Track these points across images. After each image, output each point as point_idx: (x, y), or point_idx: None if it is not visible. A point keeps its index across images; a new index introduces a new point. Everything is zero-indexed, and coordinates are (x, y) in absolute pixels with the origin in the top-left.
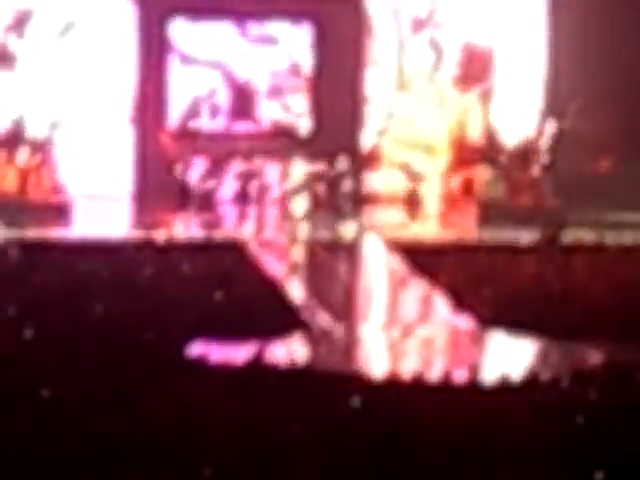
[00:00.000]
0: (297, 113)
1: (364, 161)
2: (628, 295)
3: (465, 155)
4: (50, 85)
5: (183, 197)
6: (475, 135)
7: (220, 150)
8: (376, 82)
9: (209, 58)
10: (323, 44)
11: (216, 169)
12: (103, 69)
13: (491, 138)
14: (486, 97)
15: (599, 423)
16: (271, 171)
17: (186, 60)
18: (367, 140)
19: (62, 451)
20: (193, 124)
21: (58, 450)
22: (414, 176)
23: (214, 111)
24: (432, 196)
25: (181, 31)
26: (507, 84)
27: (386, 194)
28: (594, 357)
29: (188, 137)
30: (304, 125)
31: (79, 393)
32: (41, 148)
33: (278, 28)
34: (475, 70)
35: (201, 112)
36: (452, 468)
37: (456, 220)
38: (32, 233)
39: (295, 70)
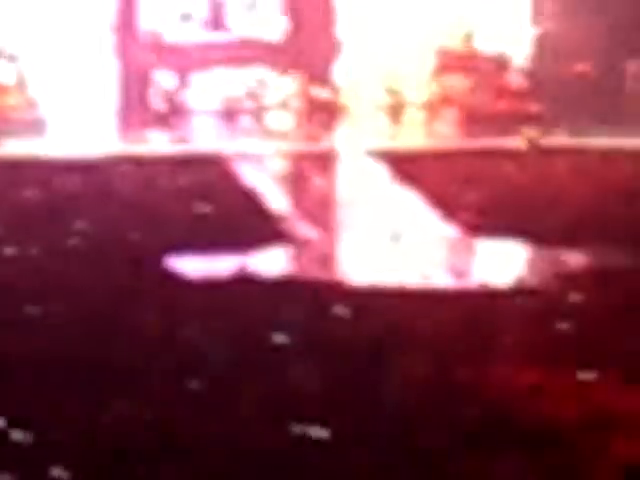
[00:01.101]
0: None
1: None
2: (611, 198)
3: (447, 62)
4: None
5: (159, 110)
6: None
7: (194, 60)
8: None
9: None
10: None
11: (189, 80)
12: None
13: (471, 44)
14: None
15: (583, 327)
16: (247, 82)
17: None
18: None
19: (46, 368)
20: (167, 35)
21: (43, 368)
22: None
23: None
24: (414, 103)
25: None
26: None
27: (368, 102)
28: (578, 261)
29: (161, 48)
30: (278, 34)
31: (62, 309)
32: (16, 63)
33: None
34: None
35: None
36: (437, 373)
37: (438, 127)
38: (9, 149)
39: None
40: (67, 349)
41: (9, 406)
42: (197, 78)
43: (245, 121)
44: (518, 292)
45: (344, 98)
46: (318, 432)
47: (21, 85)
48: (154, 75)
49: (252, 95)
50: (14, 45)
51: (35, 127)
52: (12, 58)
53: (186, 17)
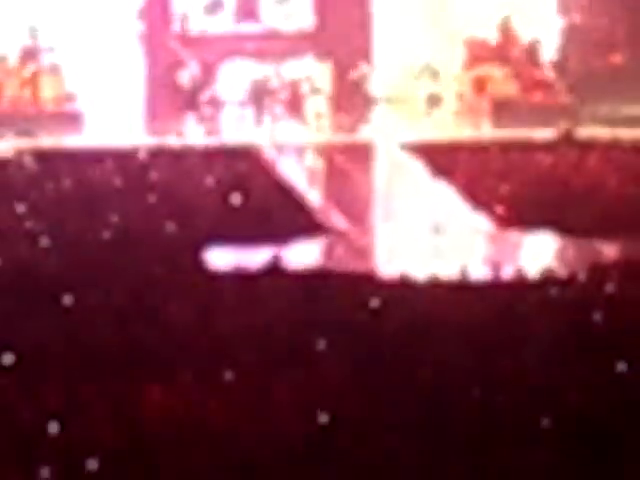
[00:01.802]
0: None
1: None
2: None
3: (479, 53)
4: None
5: (190, 102)
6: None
7: (225, 51)
8: None
9: None
10: None
11: (219, 71)
12: None
13: (505, 36)
14: None
15: (615, 318)
16: (281, 72)
17: None
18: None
19: (82, 356)
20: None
21: (79, 356)
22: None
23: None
24: (448, 96)
25: None
26: None
27: (403, 95)
28: (610, 253)
29: (194, 40)
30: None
31: (98, 300)
32: (52, 58)
33: None
34: None
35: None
36: (471, 364)
37: (470, 119)
38: (45, 142)
39: None
40: (103, 338)
41: (45, 396)
42: (227, 69)
43: (278, 111)
44: (550, 283)
45: (378, 89)
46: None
47: (57, 78)
48: (185, 66)
49: (284, 85)
50: (49, 38)
51: (71, 120)
52: (48, 50)
53: (215, 6)
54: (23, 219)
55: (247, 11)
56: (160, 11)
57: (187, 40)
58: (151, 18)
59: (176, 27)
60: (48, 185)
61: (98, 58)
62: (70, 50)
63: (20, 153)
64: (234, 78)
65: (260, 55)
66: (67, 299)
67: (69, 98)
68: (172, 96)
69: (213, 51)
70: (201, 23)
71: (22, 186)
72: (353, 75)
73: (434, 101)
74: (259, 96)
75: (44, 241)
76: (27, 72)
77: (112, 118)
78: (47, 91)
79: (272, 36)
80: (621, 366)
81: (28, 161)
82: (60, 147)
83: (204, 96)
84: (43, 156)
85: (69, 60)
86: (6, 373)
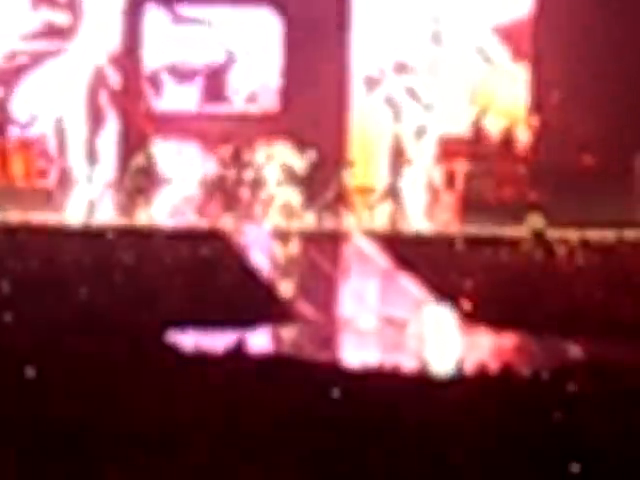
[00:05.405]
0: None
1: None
2: (610, 292)
3: (449, 147)
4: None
5: (159, 182)
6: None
7: (190, 131)
8: None
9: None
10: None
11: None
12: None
13: (477, 131)
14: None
15: (577, 418)
16: (251, 156)
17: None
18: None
19: (44, 433)
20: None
21: (40, 432)
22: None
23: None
24: (415, 188)
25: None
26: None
27: (368, 187)
28: (574, 352)
29: (161, 118)
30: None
31: (60, 376)
32: (26, 132)
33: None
34: None
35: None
36: (430, 460)
37: (439, 213)
38: (15, 217)
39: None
40: (64, 415)
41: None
42: (190, 149)
43: (246, 195)
44: (511, 380)
45: (344, 176)
46: None
47: (32, 153)
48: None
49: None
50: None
51: (41, 196)
52: (19, 125)
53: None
54: None
55: (215, 92)
56: (134, 86)
57: (154, 118)
58: (124, 98)
59: (146, 106)
60: (15, 260)
61: (70, 133)
62: (42, 125)
63: None
64: (195, 158)
65: (226, 138)
66: (29, 373)
67: (40, 174)
68: (143, 175)
69: (177, 129)
70: (168, 102)
71: None
72: (319, 160)
73: (400, 192)
74: (229, 178)
75: (8, 317)
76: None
77: (81, 195)
78: (17, 166)
79: (240, 118)
80: (575, 467)
81: None
82: (29, 222)
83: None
84: (11, 231)
85: (41, 135)
86: None
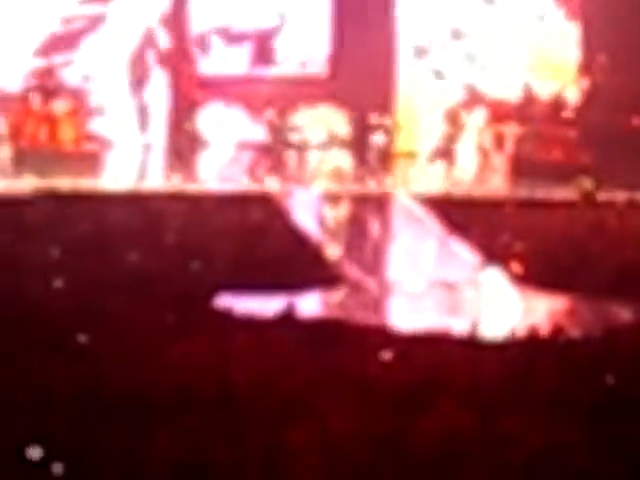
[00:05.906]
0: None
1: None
2: None
3: (499, 110)
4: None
5: (207, 146)
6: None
7: (243, 95)
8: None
9: None
10: None
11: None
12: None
13: (526, 93)
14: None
15: (628, 382)
16: (299, 119)
17: None
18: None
19: (94, 400)
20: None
21: (90, 399)
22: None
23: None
24: (466, 151)
25: None
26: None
27: (414, 151)
28: (625, 315)
29: (209, 81)
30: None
31: (110, 342)
32: (74, 96)
33: None
34: None
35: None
36: (480, 424)
37: (488, 175)
38: (64, 183)
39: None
40: (113, 382)
41: (51, 436)
42: (236, 112)
43: (293, 158)
44: (562, 343)
45: (397, 139)
46: None
47: (77, 118)
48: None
49: (299, 131)
50: (74, 78)
51: (90, 161)
52: (71, 91)
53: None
54: (38, 259)
55: (262, 55)
56: (182, 54)
57: (202, 82)
58: (173, 60)
59: (194, 69)
60: (64, 227)
61: (119, 98)
62: (91, 91)
63: (38, 193)
64: (246, 123)
65: (273, 102)
66: (80, 339)
67: (89, 139)
68: (190, 139)
69: (227, 94)
70: (215, 65)
71: (39, 226)
72: (370, 125)
73: (452, 155)
74: (277, 143)
75: (58, 282)
76: (46, 112)
77: (130, 160)
78: (66, 132)
79: (288, 82)
80: (632, 428)
81: (45, 201)
82: (78, 188)
83: (223, 141)
84: (61, 197)
85: (89, 101)
86: (13, 413)
